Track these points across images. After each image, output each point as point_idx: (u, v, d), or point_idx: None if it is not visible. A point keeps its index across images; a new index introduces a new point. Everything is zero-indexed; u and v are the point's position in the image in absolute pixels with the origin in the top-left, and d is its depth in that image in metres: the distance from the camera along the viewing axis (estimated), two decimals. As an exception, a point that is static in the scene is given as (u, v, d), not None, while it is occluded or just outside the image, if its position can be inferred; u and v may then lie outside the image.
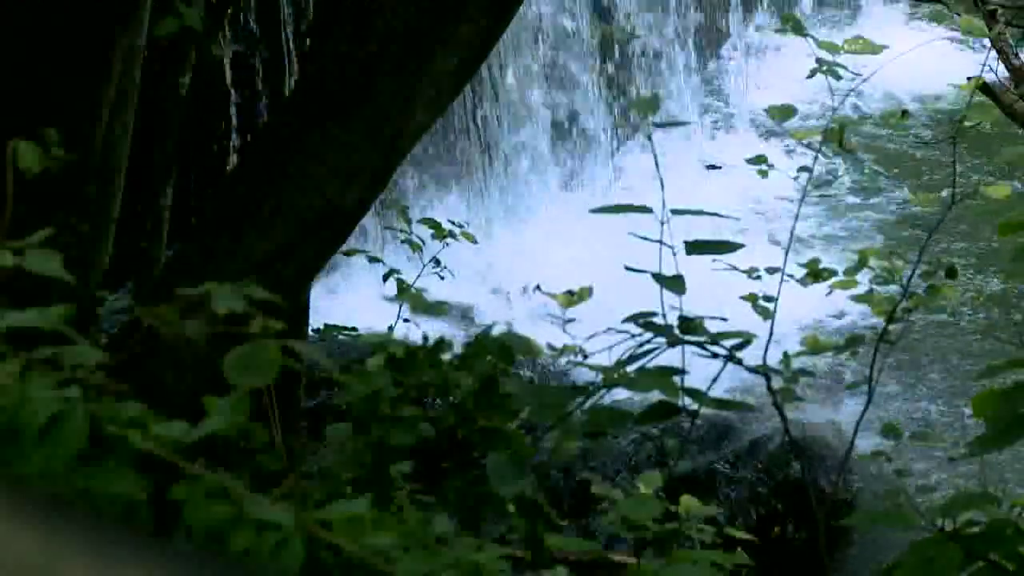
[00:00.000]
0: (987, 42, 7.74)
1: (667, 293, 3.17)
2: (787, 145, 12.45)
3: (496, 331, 2.77)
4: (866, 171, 12.79)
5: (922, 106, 13.28)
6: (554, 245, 11.09)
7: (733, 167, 11.86)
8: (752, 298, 4.27)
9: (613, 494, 3.82)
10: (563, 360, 4.07)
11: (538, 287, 4.15)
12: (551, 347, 4.18)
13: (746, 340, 3.18)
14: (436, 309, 2.79)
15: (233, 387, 2.35)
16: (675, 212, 3.40)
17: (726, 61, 14.06)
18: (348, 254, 7.27)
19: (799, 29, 4.33)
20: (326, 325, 7.69)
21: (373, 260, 6.90)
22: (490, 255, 10.72)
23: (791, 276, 4.17)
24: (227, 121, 9.46)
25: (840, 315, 10.14)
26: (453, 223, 6.78)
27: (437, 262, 6.70)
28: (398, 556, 2.38)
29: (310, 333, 7.05)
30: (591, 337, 3.50)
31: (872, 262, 4.37)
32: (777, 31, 4.56)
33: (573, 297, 3.85)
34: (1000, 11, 7.64)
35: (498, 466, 2.68)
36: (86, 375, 2.36)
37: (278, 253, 3.77)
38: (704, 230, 3.24)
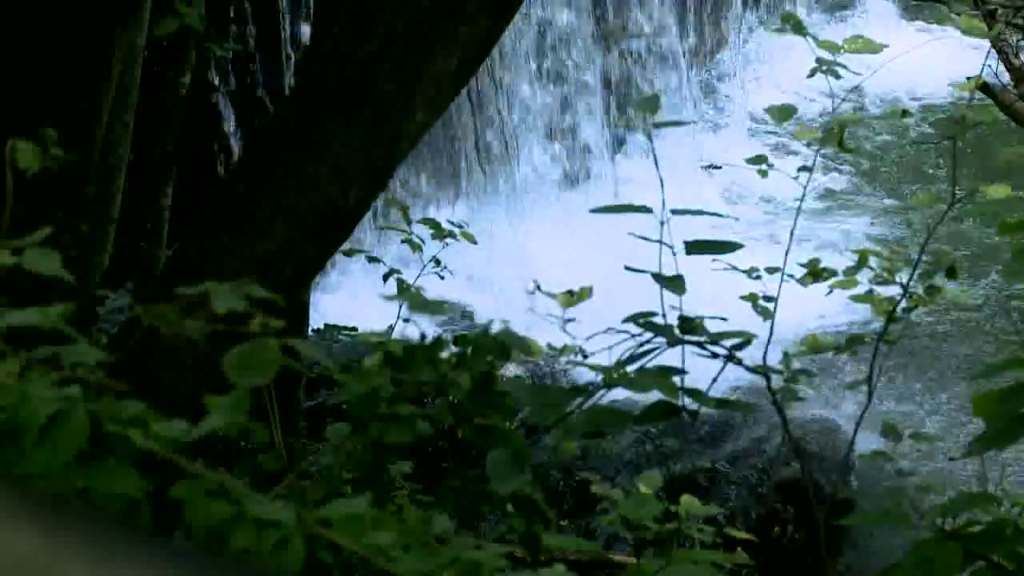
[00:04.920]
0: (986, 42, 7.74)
1: (667, 293, 3.17)
2: (786, 145, 12.45)
3: (494, 330, 2.77)
4: (864, 169, 12.79)
5: (921, 106, 13.28)
6: (554, 245, 11.10)
7: (733, 167, 11.88)
8: (752, 298, 4.28)
9: (613, 494, 3.82)
10: (563, 360, 4.07)
11: (538, 287, 4.15)
12: (551, 347, 4.18)
13: (746, 340, 3.18)
14: (435, 308, 2.79)
15: (233, 386, 2.35)
16: (675, 212, 3.40)
17: (727, 61, 14.06)
18: (348, 254, 7.27)
19: (799, 29, 4.33)
20: (326, 325, 7.69)
21: (373, 260, 6.90)
22: (490, 255, 10.73)
23: (791, 276, 4.18)
24: (226, 121, 9.47)
25: (840, 315, 10.14)
26: (453, 223, 6.78)
27: (437, 262, 6.70)
28: (398, 555, 2.38)
29: (310, 333, 7.06)
30: (591, 337, 3.50)
31: (872, 262, 4.37)
32: (776, 31, 4.55)
33: (573, 297, 3.85)
34: (1000, 11, 7.64)
35: (497, 463, 2.68)
36: (86, 374, 2.36)
37: (278, 253, 3.77)
38: (704, 230, 3.24)
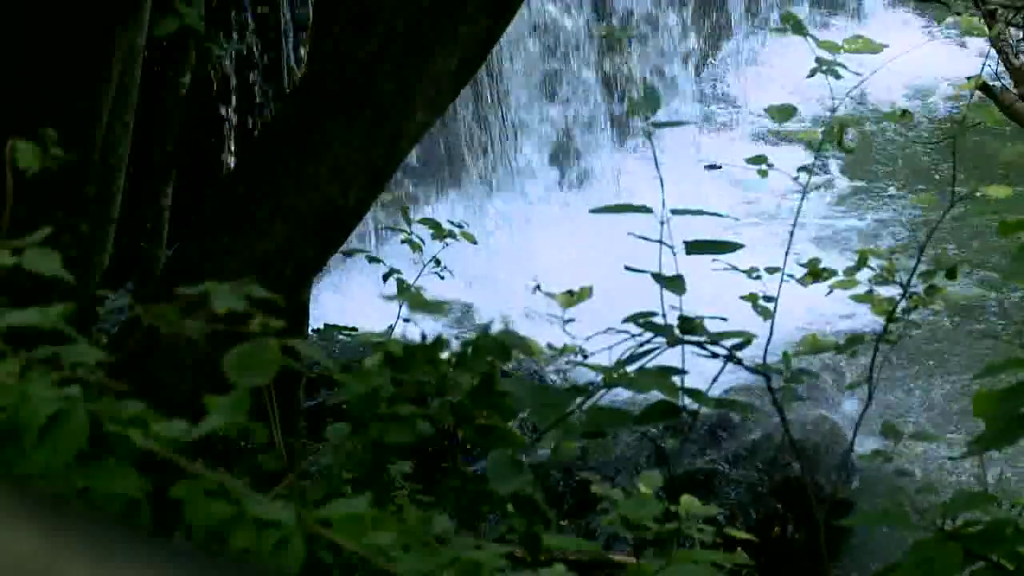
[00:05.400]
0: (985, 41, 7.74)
1: (667, 293, 3.17)
2: (787, 145, 12.45)
3: (494, 330, 2.77)
4: (864, 168, 12.80)
5: (922, 106, 13.28)
6: (554, 245, 11.10)
7: (733, 167, 11.89)
8: (752, 298, 4.28)
9: (613, 494, 3.82)
10: (563, 360, 4.07)
11: (538, 287, 4.15)
12: (551, 347, 4.18)
13: (746, 340, 3.18)
14: (435, 308, 2.79)
15: (233, 386, 2.35)
16: (675, 212, 3.40)
17: (727, 61, 14.06)
18: (348, 254, 7.27)
19: (799, 29, 4.33)
20: (326, 325, 7.69)
21: (373, 260, 6.90)
22: (490, 255, 10.73)
23: (791, 276, 4.18)
24: (226, 121, 9.47)
25: (841, 315, 10.14)
26: (453, 223, 6.78)
27: (437, 262, 6.70)
28: (398, 555, 2.38)
29: (310, 333, 7.05)
30: (591, 337, 3.50)
31: (872, 262, 4.37)
32: (777, 31, 4.56)
33: (573, 297, 3.85)
34: (1000, 11, 7.65)
35: (497, 464, 2.68)
36: (86, 374, 2.36)
37: (278, 253, 3.77)
38: (704, 230, 3.24)
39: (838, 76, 4.36)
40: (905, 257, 4.35)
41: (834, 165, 12.68)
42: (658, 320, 3.10)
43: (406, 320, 5.21)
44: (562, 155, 12.17)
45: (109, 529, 1.52)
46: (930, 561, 2.70)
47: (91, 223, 4.36)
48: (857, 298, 4.37)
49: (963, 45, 13.42)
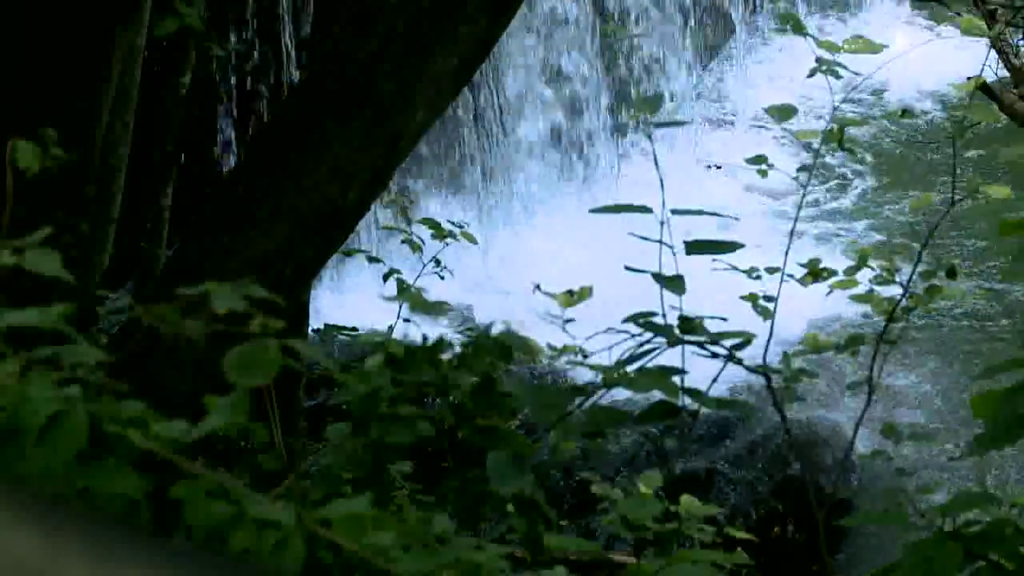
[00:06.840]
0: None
1: (667, 293, 3.17)
2: (787, 144, 12.46)
3: (495, 330, 2.77)
4: (864, 168, 12.80)
5: (922, 105, 13.28)
6: (554, 245, 11.10)
7: (734, 167, 11.88)
8: (752, 298, 4.27)
9: (613, 494, 3.82)
10: (563, 360, 4.07)
11: (538, 287, 4.15)
12: (551, 347, 4.18)
13: (746, 340, 3.18)
14: (436, 308, 2.79)
15: (233, 386, 2.35)
16: (675, 212, 3.40)
17: (727, 60, 14.07)
18: (348, 254, 7.27)
19: (799, 28, 4.33)
20: (326, 325, 7.69)
21: (373, 260, 6.90)
22: (490, 255, 10.72)
23: (791, 276, 4.17)
24: (226, 121, 9.47)
25: (841, 315, 10.14)
26: (453, 223, 6.78)
27: (437, 262, 6.70)
28: (398, 555, 2.38)
29: (310, 333, 7.05)
30: (591, 337, 3.50)
31: (872, 262, 4.37)
32: (777, 31, 4.55)
33: (573, 297, 3.85)
34: (1000, 11, 7.65)
35: (498, 464, 2.68)
36: (86, 374, 2.36)
37: (278, 253, 3.77)
38: (704, 230, 3.24)
39: (838, 76, 4.35)
40: (906, 257, 4.35)
41: (834, 165, 12.68)
42: (658, 320, 3.10)
43: (406, 320, 5.21)
44: (562, 155, 12.17)
45: (109, 529, 1.52)
46: (930, 561, 2.70)
47: (91, 223, 4.36)
48: (857, 298, 4.37)
49: (964, 45, 13.41)
